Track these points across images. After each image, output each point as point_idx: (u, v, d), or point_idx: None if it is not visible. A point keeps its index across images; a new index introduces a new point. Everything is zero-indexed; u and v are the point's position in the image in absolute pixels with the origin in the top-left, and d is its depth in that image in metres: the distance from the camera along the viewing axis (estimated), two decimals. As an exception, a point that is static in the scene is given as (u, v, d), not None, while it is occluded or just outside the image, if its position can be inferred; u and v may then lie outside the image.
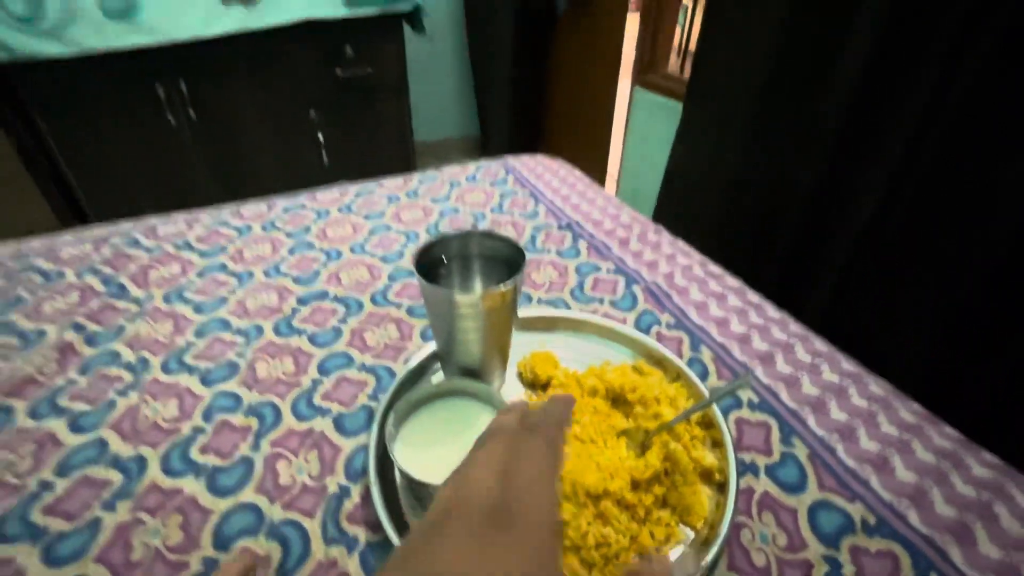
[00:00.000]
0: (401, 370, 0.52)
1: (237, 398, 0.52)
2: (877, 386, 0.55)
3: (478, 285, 0.50)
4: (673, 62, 1.86)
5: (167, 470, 0.45)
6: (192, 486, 0.44)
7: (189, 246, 0.75)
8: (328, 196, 0.89)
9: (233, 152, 1.83)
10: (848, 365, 0.57)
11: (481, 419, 0.45)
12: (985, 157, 0.82)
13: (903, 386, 0.55)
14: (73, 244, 0.74)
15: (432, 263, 0.47)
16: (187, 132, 1.72)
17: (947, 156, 0.86)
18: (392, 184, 0.93)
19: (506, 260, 0.48)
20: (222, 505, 0.43)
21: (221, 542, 0.40)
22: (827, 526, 0.42)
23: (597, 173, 2.03)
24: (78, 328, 0.59)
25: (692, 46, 1.71)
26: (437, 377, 0.53)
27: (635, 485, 0.41)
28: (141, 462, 0.46)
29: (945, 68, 0.86)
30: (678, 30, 1.81)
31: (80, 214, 1.69)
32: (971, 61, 0.81)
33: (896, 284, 0.95)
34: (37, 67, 1.42)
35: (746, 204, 1.23)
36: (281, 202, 0.87)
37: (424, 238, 0.76)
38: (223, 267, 0.71)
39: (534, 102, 2.40)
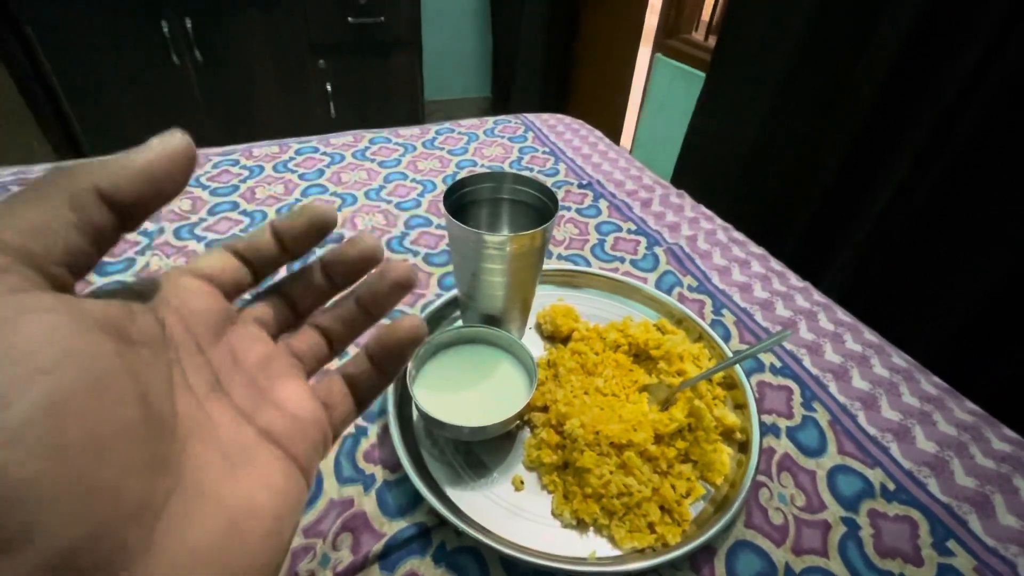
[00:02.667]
0: (419, 315, 0.51)
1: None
2: (899, 358, 0.54)
3: (506, 228, 0.48)
4: (697, 32, 1.80)
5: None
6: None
7: (199, 183, 0.73)
8: (341, 141, 0.86)
9: (238, 97, 1.78)
10: (871, 336, 0.56)
11: (501, 366, 0.44)
12: (1018, 138, 0.80)
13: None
14: (79, 173, 0.71)
15: (460, 205, 0.45)
16: (191, 73, 1.66)
17: (978, 138, 0.84)
18: (408, 133, 0.91)
19: (536, 207, 0.46)
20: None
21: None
22: (846, 489, 0.42)
23: (611, 141, 1.98)
24: (87, 256, 0.58)
25: (719, 14, 1.66)
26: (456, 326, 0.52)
27: (658, 438, 0.41)
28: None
29: (986, 48, 0.83)
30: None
31: (79, 151, 1.65)
32: (1015, 43, 0.78)
33: (916, 264, 0.93)
34: (39, -4, 1.37)
35: (765, 178, 1.21)
36: (293, 144, 0.84)
37: (445, 185, 0.74)
38: (235, 206, 0.69)
39: (562, 68, 2.33)
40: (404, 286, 0.22)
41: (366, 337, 0.24)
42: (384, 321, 0.23)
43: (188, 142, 0.17)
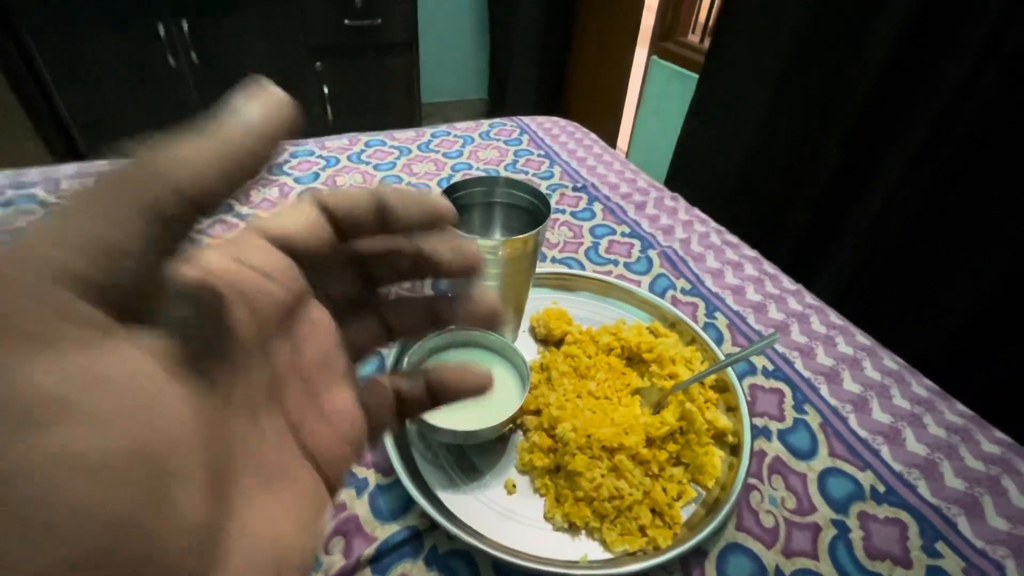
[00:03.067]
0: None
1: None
2: (891, 361, 0.54)
3: (499, 233, 0.48)
4: (694, 34, 1.81)
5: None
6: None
7: (194, 186, 0.73)
8: (337, 144, 0.86)
9: (235, 100, 1.77)
10: (863, 339, 0.57)
11: (494, 370, 0.44)
12: (1010, 143, 0.81)
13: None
14: (74, 176, 0.71)
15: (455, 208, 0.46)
16: (188, 75, 1.66)
17: (969, 145, 0.85)
18: (403, 136, 0.91)
19: (529, 211, 0.46)
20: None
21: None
22: (836, 492, 0.42)
23: (607, 143, 1.99)
24: (81, 260, 0.58)
25: (713, 17, 1.66)
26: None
27: (650, 441, 0.41)
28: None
29: (979, 53, 0.83)
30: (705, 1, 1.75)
31: (76, 154, 1.65)
32: (1009, 45, 0.78)
33: (908, 267, 0.94)
34: (34, -3, 1.36)
35: (759, 181, 1.21)
36: (288, 147, 0.84)
37: (440, 188, 0.74)
38: (229, 208, 0.69)
39: (554, 69, 2.33)
40: (490, 324, 0.21)
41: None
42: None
43: (286, 107, 0.14)
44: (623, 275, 0.62)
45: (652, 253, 0.66)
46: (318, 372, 0.18)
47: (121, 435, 0.10)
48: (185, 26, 1.58)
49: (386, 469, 0.40)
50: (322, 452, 0.17)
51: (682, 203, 0.78)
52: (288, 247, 0.17)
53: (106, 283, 0.11)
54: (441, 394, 0.21)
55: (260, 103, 0.13)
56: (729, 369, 0.47)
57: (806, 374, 0.51)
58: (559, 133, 0.96)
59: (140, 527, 0.10)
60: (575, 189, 0.79)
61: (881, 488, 0.42)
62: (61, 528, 0.09)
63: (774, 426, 0.46)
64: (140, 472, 0.10)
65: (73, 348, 0.10)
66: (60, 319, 0.10)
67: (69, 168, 0.74)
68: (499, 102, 2.49)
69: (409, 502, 0.38)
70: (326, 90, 1.89)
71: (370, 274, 0.20)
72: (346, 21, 1.77)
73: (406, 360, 0.41)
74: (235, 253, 0.16)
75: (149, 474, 0.11)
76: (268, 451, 0.15)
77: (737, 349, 0.54)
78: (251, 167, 0.13)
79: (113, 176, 0.12)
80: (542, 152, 0.89)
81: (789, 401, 0.49)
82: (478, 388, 0.21)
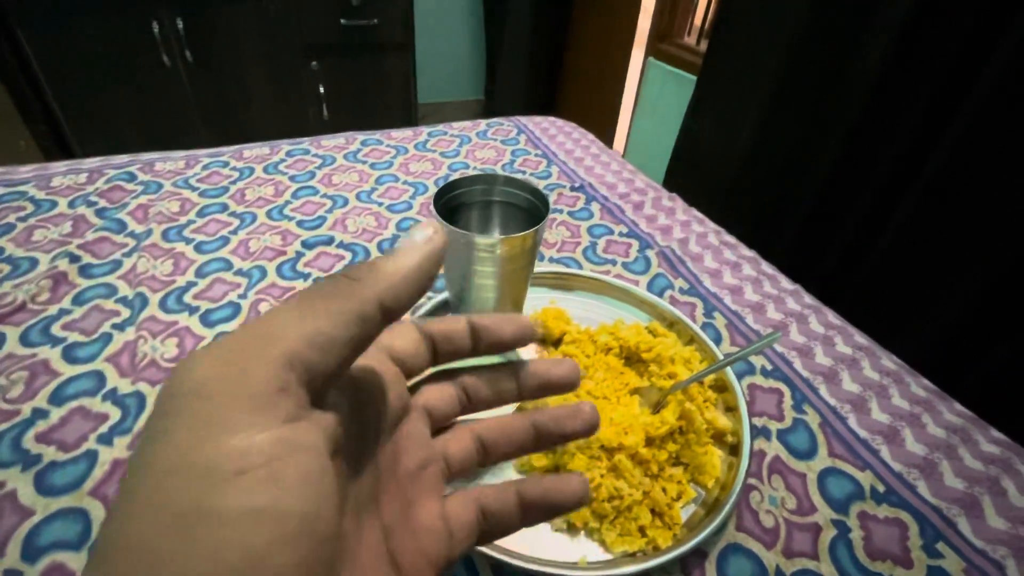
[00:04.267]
0: (409, 319, 0.51)
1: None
2: (889, 360, 0.54)
3: (497, 230, 0.48)
4: (690, 36, 1.81)
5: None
6: (192, 422, 0.42)
7: (188, 184, 0.72)
8: (333, 143, 0.86)
9: (230, 99, 1.77)
10: (861, 339, 0.56)
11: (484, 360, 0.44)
12: (1007, 143, 0.81)
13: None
14: (65, 174, 0.70)
15: (451, 207, 0.45)
16: (182, 74, 1.65)
17: (966, 144, 0.85)
18: (400, 135, 0.90)
19: (528, 209, 0.46)
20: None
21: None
22: (836, 492, 0.42)
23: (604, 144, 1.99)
24: (72, 258, 0.57)
25: (711, 19, 1.67)
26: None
27: (649, 441, 0.41)
28: (140, 399, 0.44)
29: (976, 51, 0.84)
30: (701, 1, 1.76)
31: (68, 151, 1.63)
32: (1007, 43, 0.79)
33: (907, 266, 0.94)
34: (26, -7, 1.35)
35: (757, 181, 1.22)
36: (284, 146, 0.84)
37: (437, 187, 0.74)
38: (224, 207, 0.68)
39: (549, 70, 2.33)
40: (590, 432, 0.22)
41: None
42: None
43: (443, 236, 0.17)
44: (621, 275, 0.62)
45: (650, 253, 0.66)
46: (411, 481, 0.19)
47: (298, 499, 0.12)
48: (180, 24, 1.57)
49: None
50: (406, 566, 0.17)
51: (680, 203, 0.78)
52: (398, 362, 0.20)
53: (319, 371, 0.14)
54: (534, 510, 0.20)
55: (426, 233, 0.17)
56: (728, 369, 0.47)
57: (805, 374, 0.51)
58: (556, 133, 0.95)
59: None
60: (573, 189, 0.79)
61: (881, 488, 0.42)
62: (243, 570, 0.11)
63: (773, 426, 0.46)
64: (309, 539, 0.12)
65: (283, 418, 0.13)
66: (281, 394, 0.13)
67: (60, 166, 0.73)
68: (495, 103, 2.49)
69: (406, 503, 0.37)
70: (322, 90, 1.88)
71: (467, 392, 0.22)
72: (342, 21, 1.77)
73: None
74: (364, 361, 0.18)
75: (313, 543, 0.12)
76: (364, 553, 0.16)
77: (736, 349, 0.54)
78: (426, 284, 0.16)
79: (337, 286, 0.15)
80: (539, 152, 0.89)
81: (788, 401, 0.49)
82: (578, 503, 0.21)
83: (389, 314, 0.15)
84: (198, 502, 0.11)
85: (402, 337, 0.20)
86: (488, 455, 0.22)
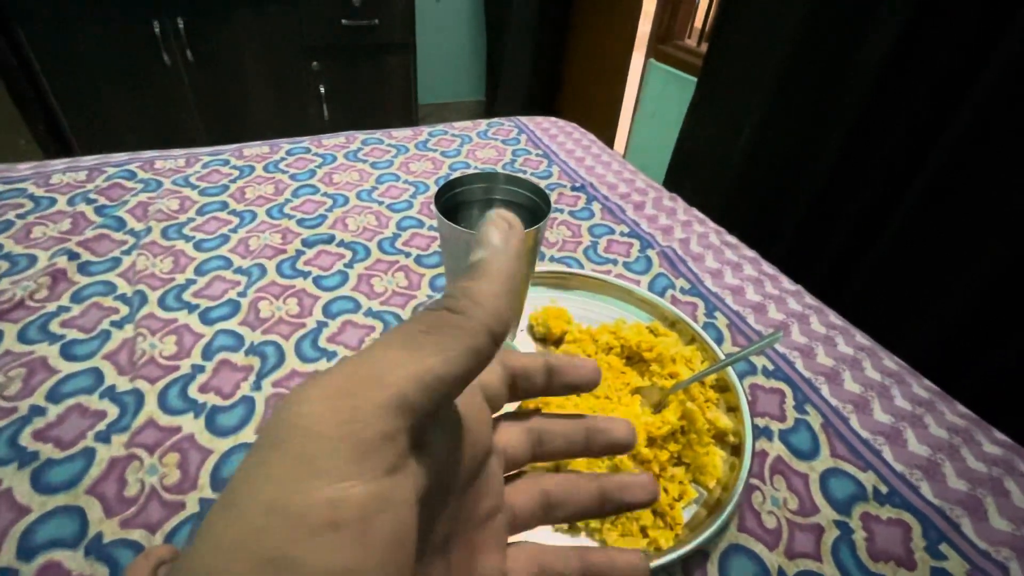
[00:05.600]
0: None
1: (239, 337, 0.50)
2: (891, 361, 0.54)
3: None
4: (690, 39, 1.81)
5: (165, 407, 0.43)
6: (191, 425, 0.42)
7: (188, 182, 0.72)
8: (333, 142, 0.86)
9: (230, 98, 1.76)
10: (863, 339, 0.56)
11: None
12: (1007, 143, 0.81)
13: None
14: (64, 171, 0.70)
15: (452, 205, 0.45)
16: (183, 74, 1.65)
17: (967, 145, 0.85)
18: (400, 135, 0.90)
19: (529, 208, 0.46)
20: (222, 445, 0.41)
21: (221, 483, 0.39)
22: (839, 492, 0.41)
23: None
24: (71, 255, 0.57)
25: (711, 21, 1.67)
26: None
27: (651, 441, 0.40)
28: (138, 397, 0.44)
29: (976, 51, 0.84)
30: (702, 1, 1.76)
31: (66, 149, 1.63)
32: (1007, 43, 0.79)
33: (908, 267, 0.94)
34: (27, -9, 1.35)
35: (757, 182, 1.21)
36: (284, 145, 0.83)
37: (437, 186, 0.73)
38: (224, 206, 0.68)
39: (550, 72, 2.34)
40: (650, 503, 0.21)
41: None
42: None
43: (521, 229, 0.16)
44: (622, 274, 0.62)
45: (651, 253, 0.66)
46: (481, 530, 0.18)
47: (381, 562, 0.12)
48: (180, 24, 1.57)
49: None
50: None
51: (681, 203, 0.77)
52: (489, 399, 0.19)
53: (427, 412, 0.13)
54: None
55: (503, 231, 0.16)
56: (730, 369, 0.46)
57: (807, 374, 0.51)
58: (557, 133, 0.95)
59: None
60: (573, 189, 0.78)
61: (884, 489, 0.42)
62: None
63: (775, 426, 0.46)
64: None
65: (383, 468, 0.12)
66: (386, 442, 0.12)
67: (60, 163, 0.73)
68: (496, 104, 2.49)
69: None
70: (322, 90, 1.88)
71: (540, 439, 0.21)
72: (343, 21, 1.77)
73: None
74: (466, 398, 0.18)
75: None
76: None
77: (737, 349, 0.54)
78: (520, 293, 0.16)
79: (442, 320, 0.14)
80: (540, 152, 0.88)
81: (790, 401, 0.48)
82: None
83: (499, 341, 0.15)
84: (284, 551, 0.11)
85: (489, 372, 0.19)
86: (551, 512, 0.21)
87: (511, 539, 0.20)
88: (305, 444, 0.12)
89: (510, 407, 0.22)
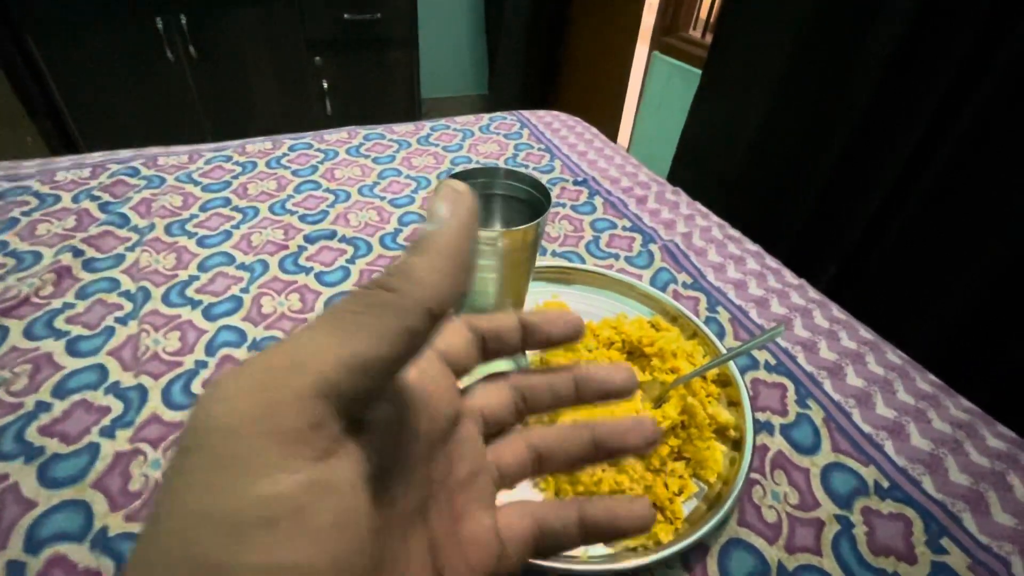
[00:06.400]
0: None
1: (242, 333, 0.50)
2: (894, 355, 0.54)
3: (498, 224, 0.48)
4: (695, 30, 1.80)
5: (169, 403, 0.44)
6: (195, 417, 0.42)
7: (191, 179, 0.72)
8: (335, 137, 0.86)
9: (233, 94, 1.77)
10: (866, 333, 0.56)
11: (494, 364, 0.44)
12: (1012, 137, 0.80)
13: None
14: (69, 169, 0.71)
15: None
16: (186, 70, 1.65)
17: (974, 136, 0.84)
18: (402, 130, 0.90)
19: (530, 203, 0.46)
20: (225, 436, 0.41)
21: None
22: (840, 487, 0.41)
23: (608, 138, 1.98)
24: (76, 252, 0.57)
25: (715, 12, 1.65)
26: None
27: (651, 436, 0.40)
28: (142, 392, 0.44)
29: (982, 46, 0.82)
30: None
31: (71, 146, 1.64)
32: (1012, 40, 0.77)
33: (912, 262, 0.93)
34: (31, -11, 1.35)
35: (762, 175, 1.21)
36: (287, 141, 0.83)
37: (440, 180, 0.73)
38: (227, 202, 0.68)
39: (553, 66, 2.32)
40: (650, 448, 0.20)
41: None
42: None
43: (470, 197, 0.15)
44: (624, 269, 0.62)
45: (653, 247, 0.65)
46: (463, 492, 0.18)
47: (327, 550, 0.11)
48: (183, 20, 1.57)
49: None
50: None
51: (683, 197, 0.77)
52: (449, 362, 0.18)
53: (358, 397, 0.13)
54: (593, 531, 0.19)
55: (451, 202, 0.15)
56: (731, 363, 0.46)
57: (809, 369, 0.51)
58: (559, 127, 0.95)
59: None
60: (576, 183, 0.78)
61: (885, 484, 0.42)
62: None
63: (776, 421, 0.46)
64: None
65: (313, 456, 0.12)
66: (314, 431, 0.12)
67: (65, 161, 0.73)
68: (499, 98, 2.48)
69: (407, 496, 0.37)
70: (325, 85, 1.88)
71: (524, 395, 0.21)
72: (346, 15, 1.76)
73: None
74: (418, 366, 0.17)
75: None
76: (412, 569, 0.15)
77: (739, 343, 0.54)
78: (467, 269, 0.14)
79: (377, 298, 0.13)
80: (542, 146, 0.88)
81: (792, 396, 0.48)
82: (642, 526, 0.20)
83: (438, 319, 0.14)
84: (219, 558, 0.10)
85: (452, 336, 0.19)
86: (543, 466, 0.20)
87: (509, 499, 0.20)
88: (225, 444, 0.11)
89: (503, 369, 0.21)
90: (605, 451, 0.20)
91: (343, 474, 0.12)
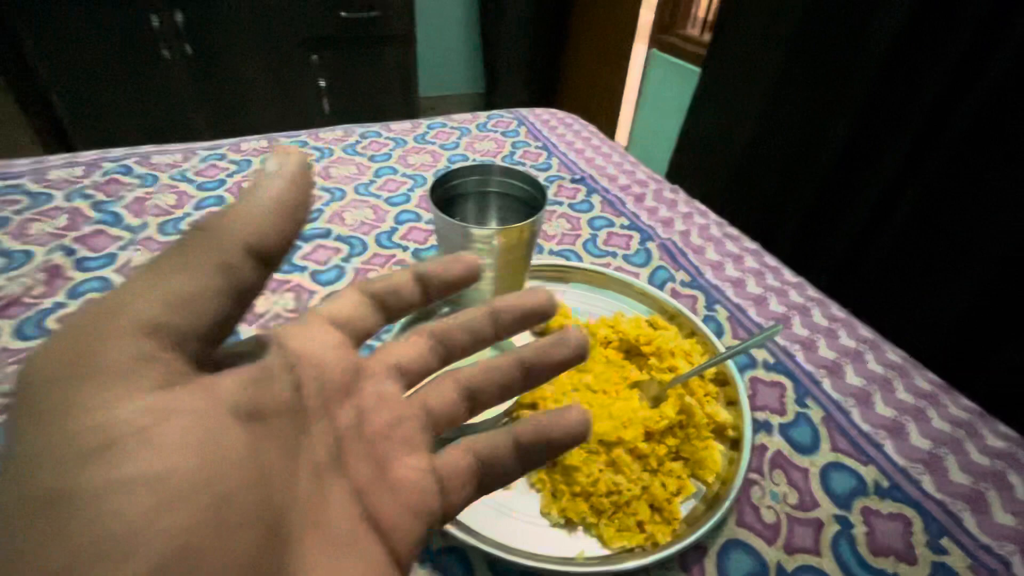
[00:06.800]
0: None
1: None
2: (894, 354, 0.53)
3: (494, 221, 0.47)
4: (693, 28, 1.79)
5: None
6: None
7: (185, 178, 0.72)
8: (331, 135, 0.85)
9: (229, 93, 1.75)
10: (865, 332, 0.56)
11: (477, 355, 0.43)
12: (1012, 133, 0.80)
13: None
14: (62, 167, 0.70)
15: (448, 198, 0.45)
16: (182, 67, 1.64)
17: (972, 131, 0.84)
18: (399, 128, 0.89)
19: (525, 200, 0.45)
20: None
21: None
22: (839, 487, 0.41)
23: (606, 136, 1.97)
24: (68, 251, 0.56)
25: (714, 10, 1.65)
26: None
27: (648, 436, 0.40)
28: (133, 391, 0.44)
29: (979, 44, 0.82)
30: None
31: (66, 145, 1.63)
32: (1009, 39, 0.77)
33: (911, 260, 0.93)
34: (24, -14, 1.34)
35: (760, 173, 1.20)
36: (282, 138, 0.83)
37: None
38: (221, 200, 0.68)
39: (551, 63, 2.31)
40: (581, 358, 0.20)
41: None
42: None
43: (303, 156, 0.15)
44: (622, 267, 0.61)
45: (651, 245, 0.65)
46: (383, 439, 0.18)
47: (185, 462, 0.11)
48: (179, 17, 1.56)
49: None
50: (388, 523, 0.17)
51: (682, 195, 0.77)
52: (341, 327, 0.19)
53: (187, 332, 0.13)
54: (532, 451, 0.19)
55: (281, 158, 0.15)
56: (730, 362, 0.46)
57: (808, 367, 0.50)
58: (557, 125, 0.94)
59: (198, 552, 0.11)
60: (573, 181, 0.78)
61: (885, 483, 0.41)
62: (124, 545, 0.10)
63: (775, 420, 0.46)
64: (201, 498, 0.11)
65: (151, 387, 0.12)
66: (143, 363, 0.12)
67: (57, 159, 0.72)
68: (496, 97, 2.47)
69: (401, 498, 0.37)
70: (322, 83, 1.87)
71: (444, 342, 0.21)
72: (342, 13, 1.75)
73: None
74: (301, 330, 0.18)
75: (209, 501, 0.11)
76: (333, 514, 0.15)
77: (737, 342, 0.53)
78: (298, 216, 0.15)
79: (192, 237, 0.13)
80: (540, 144, 0.88)
81: (790, 395, 0.48)
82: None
83: (262, 256, 0.14)
84: (52, 485, 0.10)
85: (340, 302, 0.19)
86: (476, 403, 0.20)
87: (507, 498, 0.19)
88: (49, 392, 0.11)
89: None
90: (535, 374, 0.20)
91: (191, 401, 0.12)
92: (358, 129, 0.87)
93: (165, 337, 0.12)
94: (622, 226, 0.68)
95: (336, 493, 0.16)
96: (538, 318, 0.21)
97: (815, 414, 0.46)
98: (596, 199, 0.74)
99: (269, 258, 0.14)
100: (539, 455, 0.19)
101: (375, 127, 0.89)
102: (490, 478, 0.19)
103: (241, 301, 0.14)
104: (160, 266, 0.13)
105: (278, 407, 0.15)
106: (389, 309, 0.20)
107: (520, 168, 0.43)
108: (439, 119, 0.93)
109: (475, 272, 0.21)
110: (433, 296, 0.20)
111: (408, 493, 0.17)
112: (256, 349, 0.16)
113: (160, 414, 0.11)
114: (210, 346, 0.13)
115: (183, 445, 0.11)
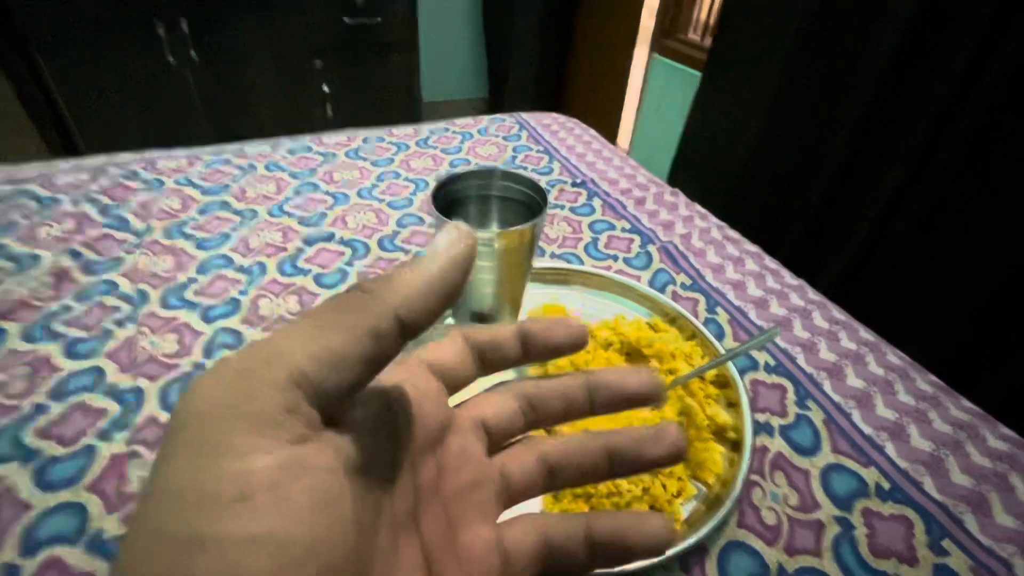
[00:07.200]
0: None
1: (239, 335, 0.50)
2: (895, 356, 0.53)
3: (495, 225, 0.48)
4: (695, 33, 1.80)
5: (166, 405, 0.44)
6: (191, 419, 0.42)
7: (190, 182, 0.72)
8: (334, 140, 0.86)
9: (234, 98, 1.77)
10: (866, 334, 0.56)
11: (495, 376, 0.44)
12: (1015, 139, 0.80)
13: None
14: (69, 172, 0.71)
15: (449, 202, 0.45)
16: (188, 74, 1.66)
17: (974, 138, 0.84)
18: (401, 132, 0.90)
19: (526, 203, 0.46)
20: (222, 438, 0.41)
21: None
22: (840, 489, 0.41)
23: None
24: (74, 255, 0.57)
25: (715, 14, 1.65)
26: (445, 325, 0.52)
27: (649, 437, 0.40)
28: (139, 394, 0.44)
29: (981, 49, 0.82)
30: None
31: (74, 150, 1.64)
32: (1012, 43, 0.77)
33: (912, 263, 0.93)
34: (33, -5, 1.36)
35: (762, 178, 1.20)
36: (286, 143, 0.84)
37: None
38: (225, 205, 0.68)
39: (554, 68, 2.32)
40: (676, 459, 0.19)
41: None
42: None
43: (471, 239, 0.16)
44: (623, 270, 0.62)
45: (652, 248, 0.65)
46: (459, 502, 0.18)
47: (305, 529, 0.12)
48: (185, 25, 1.57)
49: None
50: None
51: (682, 198, 0.77)
52: (441, 375, 0.19)
53: (331, 390, 0.13)
54: (603, 552, 0.18)
55: (451, 238, 0.15)
56: (730, 364, 0.46)
57: (808, 369, 0.51)
58: (558, 129, 0.95)
59: None
60: (574, 185, 0.78)
61: (886, 485, 0.41)
62: None
63: (776, 422, 0.46)
64: (311, 568, 0.11)
65: (289, 439, 0.12)
66: (288, 415, 0.12)
67: (65, 164, 0.73)
68: (499, 102, 2.48)
69: (403, 498, 0.37)
70: (326, 89, 1.88)
71: (534, 405, 0.20)
72: (346, 19, 1.77)
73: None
74: (403, 374, 0.18)
75: (316, 572, 0.12)
76: (404, 570, 0.15)
77: (738, 344, 0.53)
78: (451, 294, 0.15)
79: (353, 297, 0.14)
80: (541, 148, 0.88)
81: (791, 397, 0.48)
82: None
83: (408, 328, 0.14)
84: (197, 529, 0.11)
85: (443, 348, 0.19)
86: (554, 479, 0.19)
87: (519, 511, 0.19)
88: (203, 428, 0.12)
89: (507, 377, 0.21)
90: (622, 464, 0.19)
91: (320, 459, 0.13)
92: (361, 133, 0.88)
93: (311, 390, 0.13)
94: (623, 229, 0.69)
95: (408, 553, 0.16)
96: (640, 403, 0.20)
97: (816, 416, 0.46)
98: (597, 203, 0.74)
99: (412, 332, 0.15)
100: (612, 559, 0.18)
101: (378, 131, 0.89)
102: (555, 566, 0.18)
103: (379, 366, 0.14)
104: (318, 319, 0.14)
105: (381, 462, 0.15)
106: (488, 363, 0.20)
107: (522, 172, 0.44)
108: (441, 124, 0.94)
109: (579, 339, 0.19)
110: (532, 357, 0.20)
111: (473, 564, 0.17)
112: (367, 400, 0.16)
113: (293, 471, 0.12)
114: (342, 404, 0.14)
115: (308, 507, 0.12)
